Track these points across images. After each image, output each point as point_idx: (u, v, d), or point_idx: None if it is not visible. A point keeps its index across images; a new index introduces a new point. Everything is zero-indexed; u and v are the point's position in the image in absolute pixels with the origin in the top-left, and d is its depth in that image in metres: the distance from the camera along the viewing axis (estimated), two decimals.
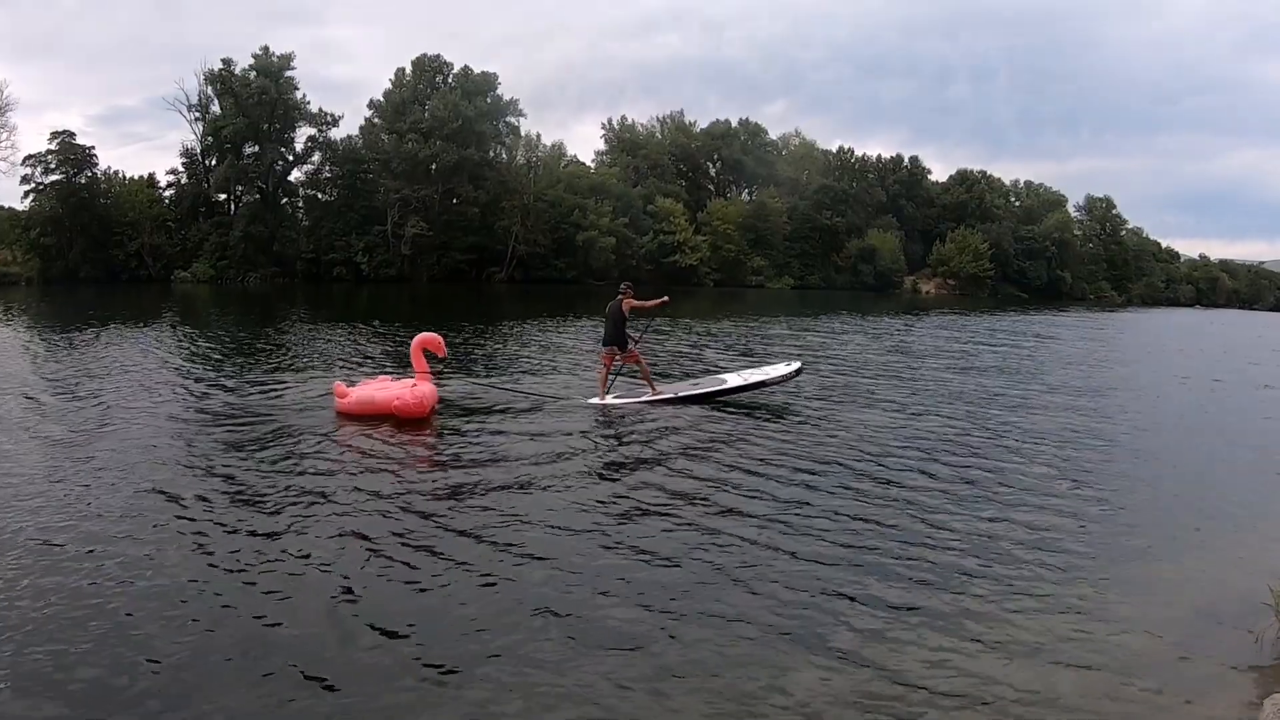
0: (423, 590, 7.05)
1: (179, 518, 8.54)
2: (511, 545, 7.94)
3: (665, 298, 15.81)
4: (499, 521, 8.56)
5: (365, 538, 8.09)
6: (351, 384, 14.11)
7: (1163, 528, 9.62)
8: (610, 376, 15.65)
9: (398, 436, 12.33)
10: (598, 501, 9.22)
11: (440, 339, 14.18)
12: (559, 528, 8.43)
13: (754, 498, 9.65)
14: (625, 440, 12.45)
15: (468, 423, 13.41)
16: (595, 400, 15.20)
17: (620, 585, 7.21)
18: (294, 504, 9.02)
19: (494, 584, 7.19)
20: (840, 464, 11.35)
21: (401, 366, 18.78)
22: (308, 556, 7.62)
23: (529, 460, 10.91)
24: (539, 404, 15.14)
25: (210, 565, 7.37)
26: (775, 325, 36.93)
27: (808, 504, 9.46)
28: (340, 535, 8.16)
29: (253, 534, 8.13)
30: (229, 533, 8.14)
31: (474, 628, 6.42)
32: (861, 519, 9.14)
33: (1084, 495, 10.55)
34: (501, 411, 14.35)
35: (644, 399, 15.07)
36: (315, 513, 8.77)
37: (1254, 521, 10.15)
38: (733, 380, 15.70)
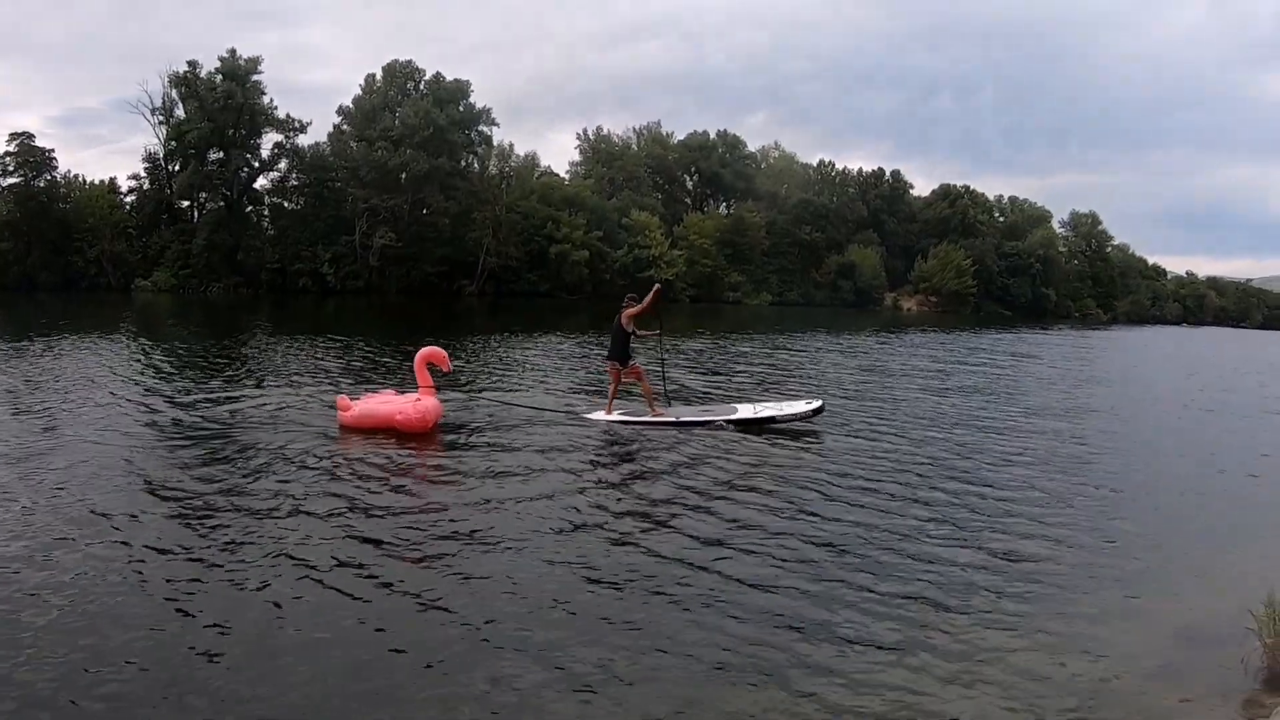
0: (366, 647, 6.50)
1: (121, 540, 8.33)
2: (459, 600, 7.37)
3: (656, 285, 15.45)
4: (465, 562, 8.22)
5: (317, 569, 7.82)
6: (355, 398, 14.19)
7: (1144, 551, 9.63)
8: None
9: (377, 453, 12.17)
10: (575, 546, 8.82)
11: (444, 353, 14.39)
12: (525, 561, 8.22)
13: (716, 526, 9.57)
14: (610, 463, 12.36)
15: (460, 440, 13.33)
16: (600, 415, 15.15)
17: (590, 631, 6.86)
18: (244, 527, 8.81)
19: (440, 647, 6.57)
20: (806, 491, 11.17)
21: (363, 381, 18.91)
22: (249, 589, 7.33)
23: (515, 486, 10.79)
24: (535, 420, 15.10)
25: (146, 594, 7.15)
26: (747, 343, 36.74)
27: (772, 536, 9.32)
28: (291, 564, 7.89)
29: (195, 558, 7.93)
30: (170, 556, 7.96)
31: (413, 687, 5.96)
32: (829, 547, 9.07)
33: (1061, 521, 10.50)
34: (495, 429, 14.28)
35: (644, 419, 14.85)
36: (263, 539, 8.53)
37: (1236, 544, 10.12)
38: (744, 411, 15.36)
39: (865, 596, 7.81)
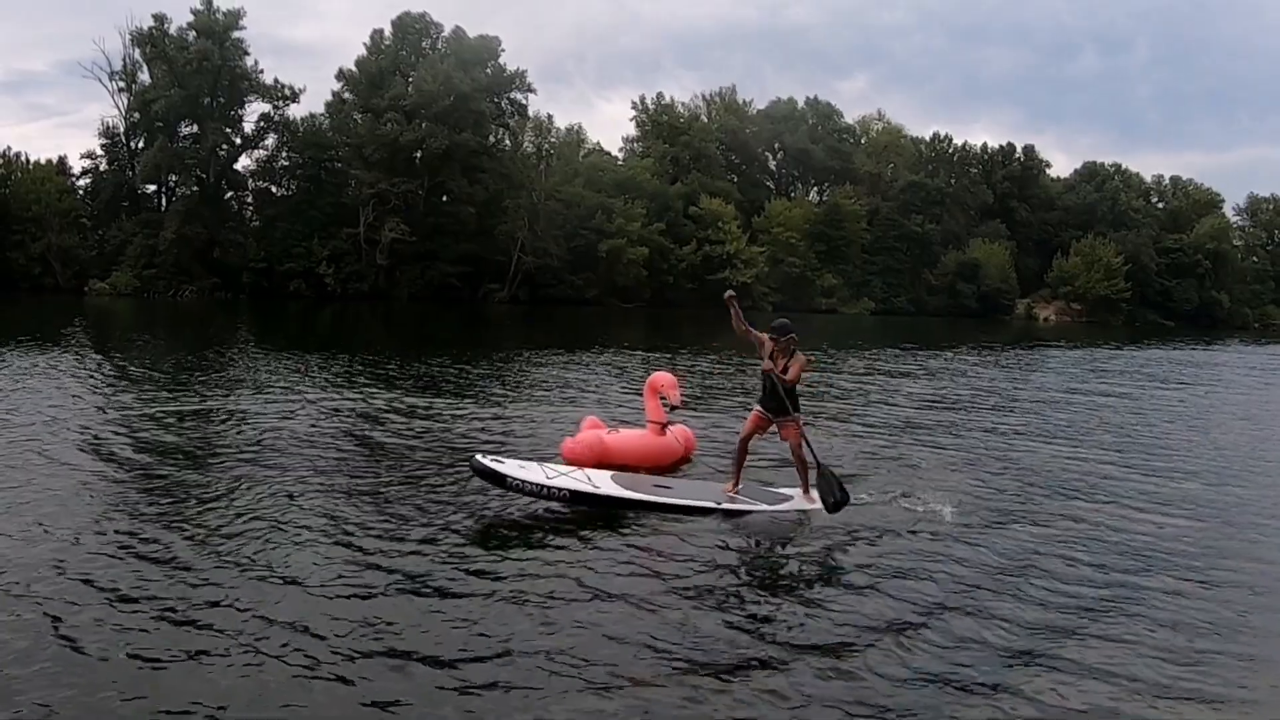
0: None
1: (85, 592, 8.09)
2: None
3: (729, 292, 12.65)
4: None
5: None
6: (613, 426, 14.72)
7: None
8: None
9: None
10: None
11: (673, 380, 14.50)
12: None
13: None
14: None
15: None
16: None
17: None
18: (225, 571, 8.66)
19: None
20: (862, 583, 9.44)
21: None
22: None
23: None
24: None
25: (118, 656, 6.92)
26: (834, 365, 33.32)
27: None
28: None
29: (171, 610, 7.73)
30: (143, 612, 7.69)
31: None
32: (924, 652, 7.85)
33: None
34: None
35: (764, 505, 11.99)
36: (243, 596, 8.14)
37: None
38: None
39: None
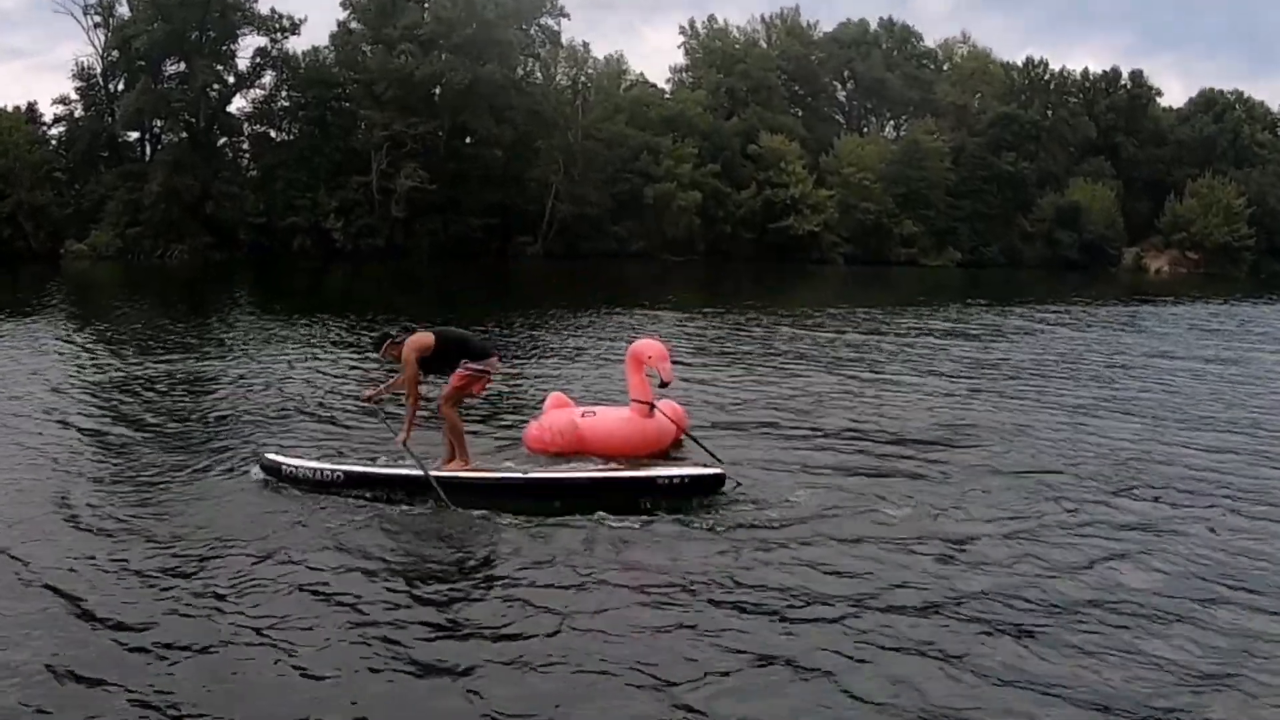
0: None
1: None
2: None
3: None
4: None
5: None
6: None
7: None
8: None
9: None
10: None
11: (664, 350, 13.36)
12: None
13: None
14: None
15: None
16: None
17: None
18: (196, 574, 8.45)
19: None
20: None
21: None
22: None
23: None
24: None
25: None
26: (850, 326, 30.83)
27: None
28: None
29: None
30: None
31: None
32: None
33: None
34: None
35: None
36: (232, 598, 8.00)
37: None
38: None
39: None
